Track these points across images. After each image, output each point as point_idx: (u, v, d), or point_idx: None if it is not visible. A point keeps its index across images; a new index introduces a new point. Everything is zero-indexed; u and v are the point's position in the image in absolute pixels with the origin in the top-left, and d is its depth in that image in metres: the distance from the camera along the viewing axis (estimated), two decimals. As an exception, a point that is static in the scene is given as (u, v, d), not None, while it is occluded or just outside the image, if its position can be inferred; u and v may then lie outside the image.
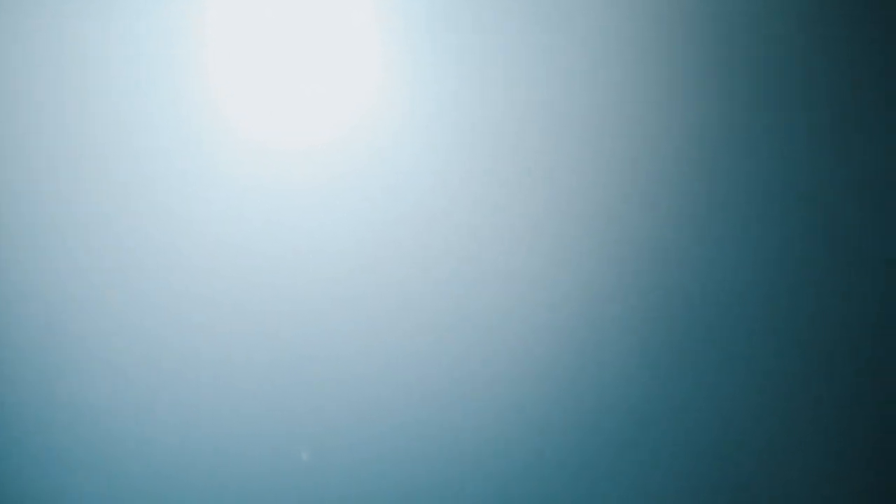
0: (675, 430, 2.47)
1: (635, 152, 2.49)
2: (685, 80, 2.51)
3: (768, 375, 2.50)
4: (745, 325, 2.50)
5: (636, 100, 2.49)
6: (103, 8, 2.41)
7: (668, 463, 2.47)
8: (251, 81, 2.43)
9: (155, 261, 2.40)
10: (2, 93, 2.40)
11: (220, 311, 2.40)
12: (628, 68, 2.49)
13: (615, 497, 2.46)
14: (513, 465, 2.44)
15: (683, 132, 2.50)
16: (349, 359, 2.41)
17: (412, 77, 2.44)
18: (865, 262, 2.53)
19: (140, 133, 2.41)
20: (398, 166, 2.43)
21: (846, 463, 2.50)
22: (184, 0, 2.43)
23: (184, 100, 2.42)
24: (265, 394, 2.40)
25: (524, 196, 2.46)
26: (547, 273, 2.46)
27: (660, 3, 2.50)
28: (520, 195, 2.46)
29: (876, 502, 2.51)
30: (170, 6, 2.42)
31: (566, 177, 2.47)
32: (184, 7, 2.42)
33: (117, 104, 2.41)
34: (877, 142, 2.54)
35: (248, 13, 2.44)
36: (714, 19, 2.52)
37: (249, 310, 2.41)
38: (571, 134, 2.48)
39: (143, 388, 2.39)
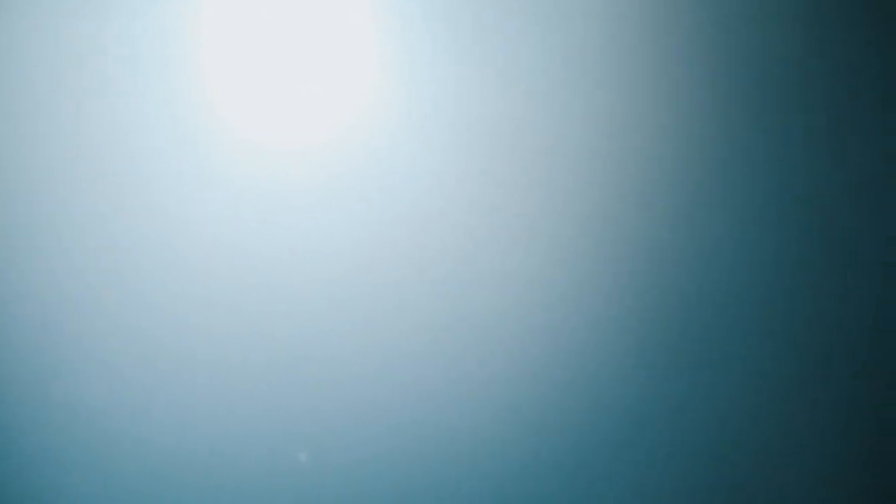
0: (671, 431, 2.47)
1: (632, 153, 2.49)
2: (682, 81, 2.51)
3: (764, 377, 2.50)
4: (741, 327, 2.50)
5: (633, 100, 2.49)
6: (99, 8, 2.41)
7: (664, 463, 2.47)
8: (247, 81, 2.43)
9: (151, 261, 2.40)
10: (-2, 92, 2.41)
11: (216, 311, 2.40)
12: (625, 69, 2.49)
13: (612, 497, 2.46)
14: (509, 466, 2.44)
15: (680, 134, 2.50)
16: (346, 359, 2.41)
17: (408, 77, 2.44)
18: (861, 264, 2.53)
19: (136, 133, 2.41)
20: (394, 166, 2.43)
21: (842, 464, 2.51)
22: (179, 0, 2.42)
23: (180, 100, 2.41)
24: (262, 394, 2.40)
25: (520, 196, 2.46)
26: (543, 273, 2.46)
27: (656, 4, 2.50)
28: (516, 195, 2.46)
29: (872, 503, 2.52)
30: (165, 6, 2.42)
31: (563, 177, 2.47)
32: (179, 7, 2.42)
33: (113, 104, 2.41)
34: (873, 144, 2.54)
35: (244, 13, 2.44)
36: (711, 22, 2.52)
37: (246, 310, 2.40)
38: (568, 134, 2.48)
39: (140, 389, 2.39)
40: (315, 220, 2.42)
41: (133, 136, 2.41)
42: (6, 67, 2.40)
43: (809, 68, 2.53)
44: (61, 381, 2.37)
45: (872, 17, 2.54)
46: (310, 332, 2.41)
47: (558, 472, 2.45)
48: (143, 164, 2.41)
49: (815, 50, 2.53)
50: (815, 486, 2.50)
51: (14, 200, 2.40)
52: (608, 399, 2.47)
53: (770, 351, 2.50)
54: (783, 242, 2.52)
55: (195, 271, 2.40)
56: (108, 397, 2.38)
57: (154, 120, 2.41)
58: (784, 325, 2.51)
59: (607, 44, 2.49)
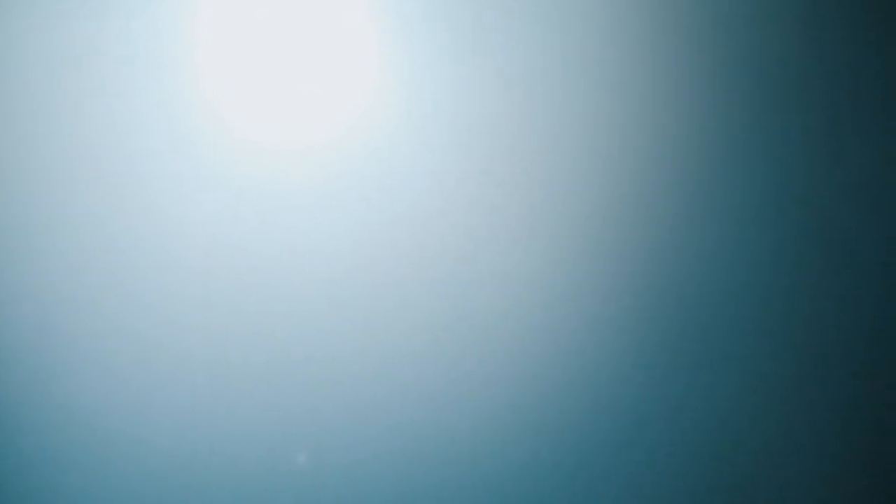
0: (670, 431, 2.48)
1: (631, 154, 2.49)
2: (681, 81, 2.51)
3: (763, 377, 2.50)
4: (740, 327, 2.50)
5: (632, 100, 2.50)
6: (96, 8, 2.40)
7: (663, 463, 2.47)
8: (246, 82, 2.43)
9: (149, 262, 2.39)
10: (-4, 92, 2.40)
11: (215, 311, 2.40)
12: (625, 69, 2.50)
13: (611, 497, 2.46)
14: (509, 466, 2.44)
15: (680, 134, 2.51)
16: (345, 359, 2.41)
17: (409, 77, 2.44)
18: (860, 264, 2.54)
19: (134, 133, 2.41)
20: (394, 166, 2.43)
21: (841, 464, 2.51)
22: (177, 0, 2.42)
23: (178, 100, 2.41)
24: (261, 395, 2.39)
25: (520, 196, 2.46)
26: (543, 273, 2.46)
27: (655, 5, 2.51)
28: (516, 195, 2.46)
29: (871, 503, 2.52)
30: (163, 6, 2.41)
31: (562, 177, 2.47)
32: (177, 7, 2.42)
33: (111, 104, 2.40)
34: (872, 144, 2.55)
35: (242, 13, 2.43)
36: (710, 22, 2.52)
37: (245, 310, 2.40)
38: (567, 134, 2.48)
39: (138, 390, 2.38)
40: (315, 220, 2.41)
41: (131, 136, 2.40)
42: (4, 68, 2.40)
43: (808, 68, 2.54)
44: (59, 381, 2.37)
45: (871, 17, 2.55)
46: (310, 333, 2.40)
47: (558, 472, 2.45)
48: (142, 164, 2.40)
49: (813, 50, 2.54)
50: (815, 485, 2.51)
51: (12, 201, 2.39)
52: (608, 399, 2.47)
53: (769, 351, 2.51)
54: (782, 242, 2.52)
55: (194, 272, 2.39)
56: (106, 398, 2.37)
57: (152, 120, 2.40)
58: (783, 325, 2.51)
59: (607, 44, 2.49)
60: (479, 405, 2.44)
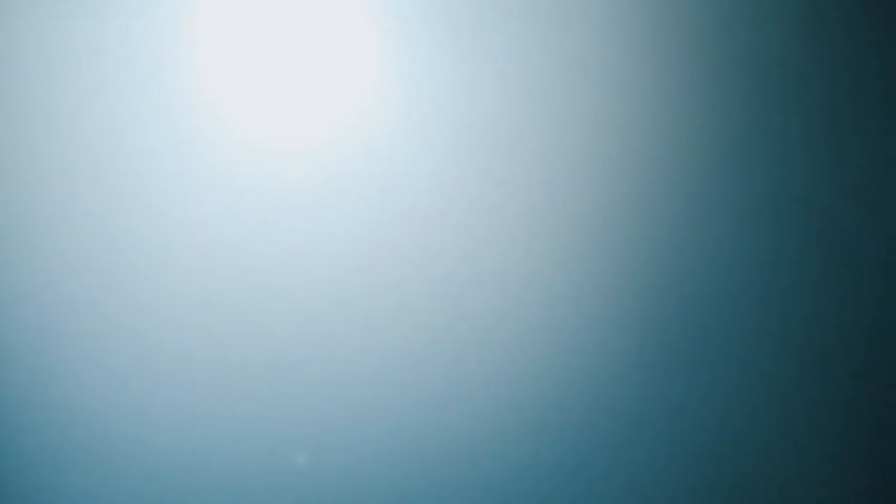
0: (670, 431, 2.48)
1: (631, 154, 2.49)
2: (681, 82, 2.51)
3: (763, 377, 2.50)
4: (740, 327, 2.50)
5: (632, 100, 2.50)
6: (96, 8, 2.40)
7: (663, 463, 2.47)
8: (246, 81, 2.43)
9: (149, 262, 2.39)
10: (-4, 92, 2.40)
11: (214, 311, 2.39)
12: (625, 69, 2.50)
13: (611, 497, 2.46)
14: (509, 466, 2.44)
15: (680, 134, 2.51)
16: (345, 359, 2.41)
17: (409, 77, 2.44)
18: (860, 264, 2.54)
19: (134, 133, 2.40)
20: (394, 166, 2.43)
21: (841, 464, 2.51)
22: (177, 0, 2.42)
23: (178, 100, 2.41)
24: (261, 395, 2.39)
25: (520, 196, 2.46)
26: (543, 273, 2.46)
27: (655, 5, 2.51)
28: (515, 195, 2.46)
29: (871, 503, 2.52)
30: (163, 6, 2.41)
31: (562, 177, 2.47)
32: (177, 7, 2.42)
33: (111, 104, 2.40)
34: (872, 144, 2.55)
35: (242, 13, 2.43)
36: (710, 22, 2.52)
37: (245, 310, 2.40)
38: (567, 134, 2.48)
39: (138, 390, 2.38)
40: (315, 221, 2.41)
41: (131, 136, 2.40)
42: (4, 68, 2.40)
43: (808, 68, 2.54)
44: (59, 381, 2.37)
45: (871, 17, 2.55)
46: (310, 333, 2.40)
47: (558, 472, 2.45)
48: (142, 164, 2.40)
49: (813, 50, 2.54)
50: (814, 485, 2.51)
51: (12, 201, 2.39)
52: (607, 399, 2.47)
53: (768, 351, 2.51)
54: (782, 242, 2.52)
55: (194, 272, 2.39)
56: (106, 398, 2.37)
57: (152, 120, 2.40)
58: (782, 325, 2.51)
59: (607, 44, 2.49)
60: (479, 405, 2.44)
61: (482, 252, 2.44)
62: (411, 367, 2.42)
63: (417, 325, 2.42)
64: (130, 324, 2.38)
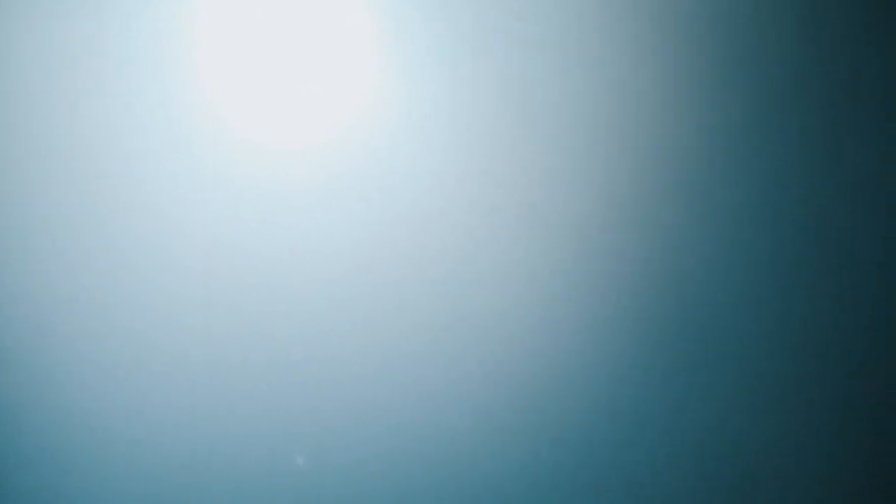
0: (669, 431, 2.48)
1: (630, 154, 2.50)
2: (679, 82, 2.52)
3: (762, 377, 2.51)
4: (738, 327, 2.51)
5: (631, 101, 2.50)
6: (94, 9, 2.40)
7: (662, 464, 2.48)
8: (246, 82, 2.42)
9: (148, 262, 2.39)
10: (-5, 91, 2.39)
11: (214, 312, 2.39)
12: (623, 69, 2.50)
13: (611, 497, 2.46)
14: (509, 466, 2.44)
15: (678, 134, 2.51)
16: (345, 359, 2.41)
17: (408, 77, 2.44)
18: (858, 264, 2.55)
19: (133, 133, 2.40)
20: (394, 166, 2.43)
21: (839, 464, 2.52)
22: (176, 0, 2.42)
23: (177, 100, 2.41)
24: (261, 395, 2.39)
25: (520, 196, 2.46)
26: (542, 273, 2.46)
27: (653, 5, 2.51)
28: (515, 195, 2.46)
29: (869, 503, 2.53)
30: (162, 6, 2.41)
31: (561, 177, 2.48)
32: (176, 7, 2.41)
33: (109, 105, 2.40)
34: (869, 145, 2.56)
35: (241, 13, 2.43)
36: (707, 23, 2.53)
37: (245, 311, 2.40)
38: (567, 134, 2.48)
39: (137, 390, 2.38)
40: (315, 221, 2.41)
41: (131, 136, 2.40)
42: (2, 69, 2.39)
43: (806, 69, 2.55)
44: (58, 382, 2.36)
45: (870, 17, 2.56)
46: (310, 333, 2.40)
47: (558, 472, 2.45)
48: (141, 164, 2.40)
49: (811, 50, 2.55)
50: (812, 485, 2.51)
51: (9, 201, 2.38)
52: (606, 399, 2.47)
53: (767, 351, 2.51)
54: (780, 242, 2.53)
55: (194, 272, 2.39)
56: (105, 398, 2.37)
57: (151, 120, 2.40)
58: (780, 325, 2.52)
59: (605, 44, 2.50)
60: (479, 405, 2.44)
61: (482, 252, 2.45)
62: (411, 367, 2.42)
63: (417, 325, 2.42)
64: (130, 324, 2.37)
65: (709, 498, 2.48)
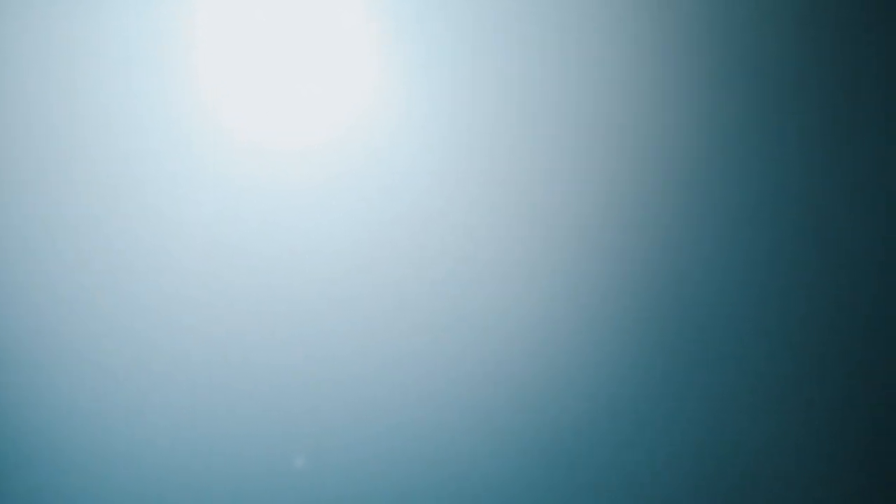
0: (668, 431, 2.48)
1: (629, 154, 2.50)
2: (679, 82, 2.52)
3: (761, 377, 2.51)
4: (737, 327, 2.51)
5: (630, 101, 2.50)
6: (92, 8, 2.40)
7: (661, 463, 2.48)
8: (245, 82, 2.42)
9: (148, 262, 2.39)
10: (-6, 91, 2.39)
11: (214, 312, 2.39)
12: (622, 69, 2.50)
13: (611, 497, 2.46)
14: (509, 466, 2.44)
15: (678, 134, 2.51)
16: (345, 359, 2.41)
17: (408, 77, 2.44)
18: (856, 263, 2.55)
19: (132, 134, 2.40)
20: (394, 166, 2.43)
21: (838, 464, 2.52)
22: (175, 0, 2.41)
23: (177, 100, 2.40)
24: (260, 395, 2.39)
25: (520, 196, 2.46)
26: (543, 273, 2.46)
27: (652, 5, 2.51)
28: (515, 195, 2.46)
29: (868, 503, 2.53)
30: (161, 6, 2.41)
31: (561, 177, 2.48)
32: (175, 7, 2.41)
33: (108, 105, 2.40)
34: (868, 144, 2.56)
35: (240, 13, 2.43)
36: (707, 23, 2.53)
37: (244, 311, 2.40)
38: (567, 134, 2.48)
39: (137, 390, 2.37)
40: (314, 221, 2.41)
41: (130, 136, 2.40)
42: (0, 69, 2.39)
43: (804, 68, 2.55)
44: (57, 382, 2.36)
45: (868, 16, 2.56)
46: (310, 333, 2.40)
47: (558, 472, 2.45)
48: (140, 165, 2.39)
49: (810, 50, 2.55)
50: (812, 485, 2.52)
51: (8, 202, 2.38)
52: (604, 400, 2.47)
53: (766, 350, 2.52)
54: (778, 242, 2.53)
55: (193, 272, 2.39)
56: (105, 399, 2.36)
57: (150, 121, 2.40)
58: (779, 325, 2.52)
59: (605, 44, 2.50)
60: (479, 405, 2.44)
61: (482, 252, 2.45)
62: (411, 367, 2.42)
63: (417, 325, 2.42)
64: (130, 324, 2.37)
65: (709, 498, 2.48)
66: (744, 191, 2.52)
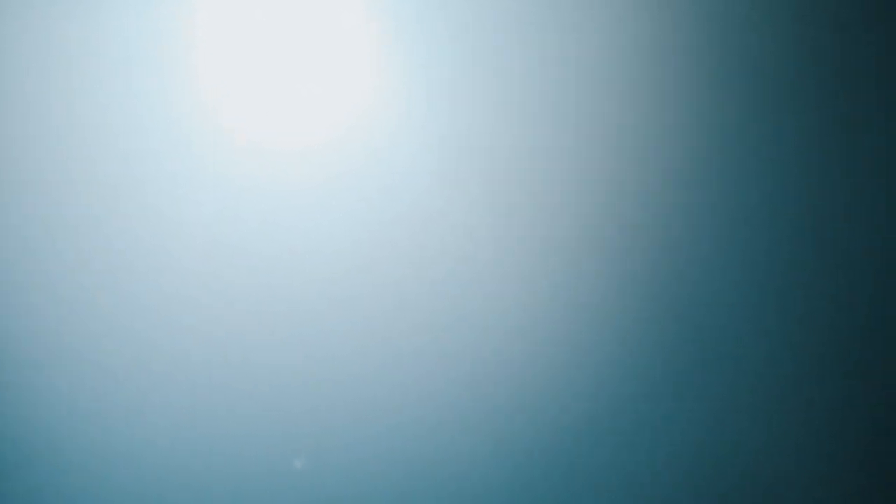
0: (667, 431, 2.48)
1: (628, 154, 2.50)
2: (677, 82, 2.52)
3: (760, 377, 2.51)
4: (736, 327, 2.51)
5: (629, 101, 2.50)
6: (92, 9, 2.40)
7: (661, 463, 2.48)
8: (245, 82, 2.42)
9: (148, 262, 2.39)
10: (-6, 91, 2.39)
11: (214, 312, 2.39)
12: (621, 69, 2.50)
13: (610, 497, 2.47)
14: (509, 466, 2.44)
15: (675, 134, 2.52)
16: (345, 359, 2.41)
17: (408, 78, 2.44)
18: (854, 264, 2.55)
19: (132, 134, 2.40)
20: (394, 166, 2.43)
21: (838, 464, 2.52)
22: (175, 0, 2.41)
23: (176, 100, 2.40)
24: (260, 395, 2.39)
25: (519, 196, 2.46)
26: (541, 273, 2.46)
27: (652, 5, 2.52)
28: (515, 196, 2.46)
29: (867, 503, 2.53)
30: (161, 6, 2.41)
31: (560, 178, 2.48)
32: (175, 7, 2.41)
33: (108, 105, 2.40)
34: (866, 144, 2.56)
35: (240, 13, 2.43)
36: (705, 22, 2.53)
37: (244, 311, 2.39)
38: (566, 134, 2.48)
39: (137, 390, 2.37)
40: (314, 221, 2.41)
41: (129, 136, 2.40)
42: None
43: (803, 68, 2.55)
44: (57, 382, 2.36)
45: (867, 16, 2.56)
46: (310, 333, 2.40)
47: (558, 472, 2.45)
48: (140, 165, 2.39)
49: (808, 49, 2.55)
50: (811, 485, 2.52)
51: (7, 202, 2.38)
52: (603, 400, 2.47)
53: (765, 351, 2.52)
54: (777, 242, 2.53)
55: (194, 272, 2.39)
56: (105, 399, 2.36)
57: (150, 121, 2.40)
58: (778, 325, 2.52)
59: (604, 44, 2.50)
60: (479, 405, 2.44)
61: (481, 252, 2.45)
62: (411, 367, 2.42)
63: (417, 325, 2.42)
64: (130, 324, 2.37)
65: (709, 498, 2.48)
66: (743, 191, 2.53)
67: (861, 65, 2.57)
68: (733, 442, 2.50)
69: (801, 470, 2.51)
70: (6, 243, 2.37)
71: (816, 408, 2.53)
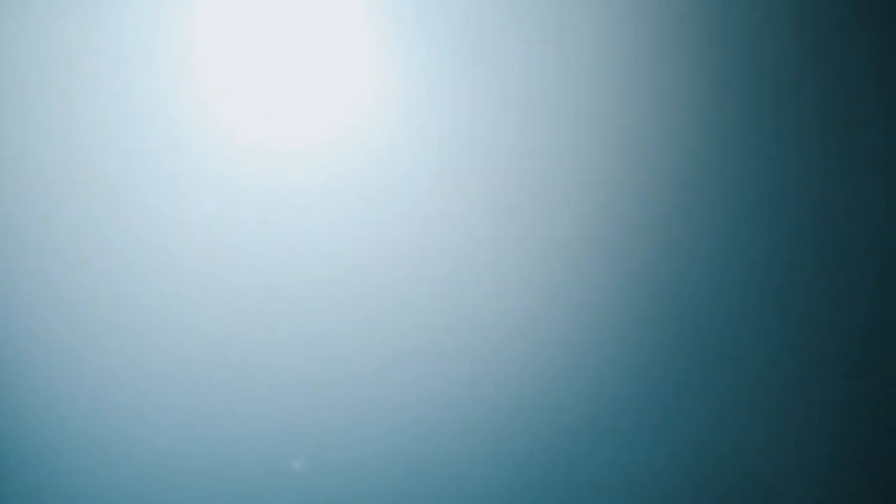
0: (669, 431, 2.48)
1: (628, 154, 2.50)
2: (677, 81, 2.52)
3: (760, 377, 2.51)
4: (736, 327, 2.51)
5: (629, 101, 2.50)
6: (91, 8, 2.39)
7: (661, 463, 2.48)
8: (245, 82, 2.42)
9: (148, 263, 2.39)
10: (-6, 91, 2.39)
11: (214, 312, 2.39)
12: (621, 69, 2.50)
13: (610, 497, 2.47)
14: (509, 466, 2.44)
15: (675, 134, 2.52)
16: (345, 359, 2.41)
17: (408, 77, 2.44)
18: (854, 263, 2.55)
19: (132, 134, 2.40)
20: (394, 166, 2.43)
21: (838, 464, 2.52)
22: (175, 0, 2.41)
23: (176, 100, 2.40)
24: (260, 395, 2.39)
25: (519, 196, 2.46)
26: (543, 273, 2.46)
27: (652, 5, 2.52)
28: (515, 196, 2.46)
29: (867, 503, 2.53)
30: (161, 6, 2.41)
31: (561, 178, 2.48)
32: (175, 7, 2.41)
33: (107, 105, 2.39)
34: (866, 144, 2.56)
35: (240, 13, 2.43)
36: (705, 22, 2.53)
37: (244, 311, 2.39)
38: (566, 134, 2.48)
39: (136, 391, 2.37)
40: (315, 220, 2.41)
41: (129, 136, 2.40)
42: None
43: (802, 68, 2.55)
44: (57, 382, 2.36)
45: (866, 16, 2.56)
46: (310, 333, 2.40)
47: (558, 472, 2.45)
48: (140, 165, 2.39)
49: (807, 49, 2.55)
50: (811, 485, 2.52)
51: (7, 202, 2.38)
52: (603, 400, 2.47)
53: (765, 351, 2.52)
54: (776, 242, 2.53)
55: (193, 272, 2.39)
56: (104, 399, 2.36)
57: (150, 121, 2.40)
58: (778, 325, 2.52)
59: (604, 44, 2.50)
60: (479, 405, 2.44)
61: (482, 252, 2.45)
62: (411, 367, 2.42)
63: (417, 325, 2.42)
64: (129, 324, 2.37)
65: (709, 498, 2.48)
66: (742, 190, 2.53)
67: (861, 65, 2.57)
68: (733, 442, 2.50)
69: (801, 470, 2.51)
70: (6, 243, 2.37)
71: (816, 408, 2.53)
